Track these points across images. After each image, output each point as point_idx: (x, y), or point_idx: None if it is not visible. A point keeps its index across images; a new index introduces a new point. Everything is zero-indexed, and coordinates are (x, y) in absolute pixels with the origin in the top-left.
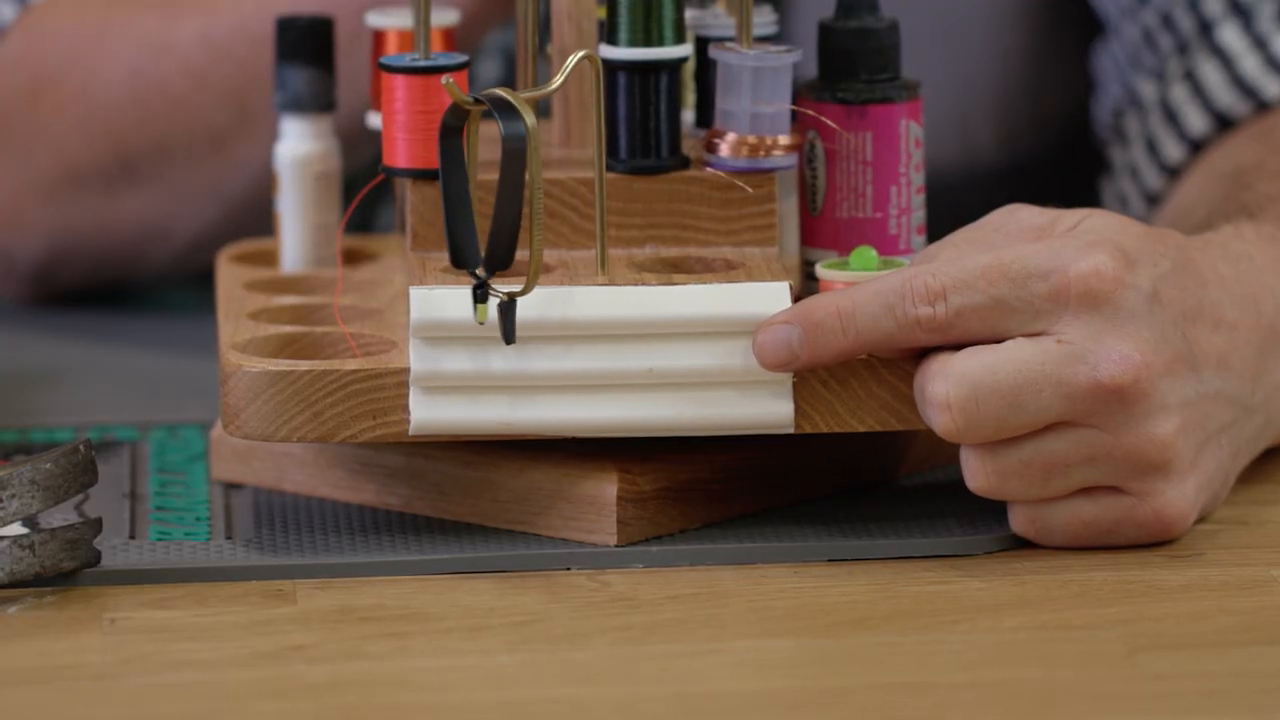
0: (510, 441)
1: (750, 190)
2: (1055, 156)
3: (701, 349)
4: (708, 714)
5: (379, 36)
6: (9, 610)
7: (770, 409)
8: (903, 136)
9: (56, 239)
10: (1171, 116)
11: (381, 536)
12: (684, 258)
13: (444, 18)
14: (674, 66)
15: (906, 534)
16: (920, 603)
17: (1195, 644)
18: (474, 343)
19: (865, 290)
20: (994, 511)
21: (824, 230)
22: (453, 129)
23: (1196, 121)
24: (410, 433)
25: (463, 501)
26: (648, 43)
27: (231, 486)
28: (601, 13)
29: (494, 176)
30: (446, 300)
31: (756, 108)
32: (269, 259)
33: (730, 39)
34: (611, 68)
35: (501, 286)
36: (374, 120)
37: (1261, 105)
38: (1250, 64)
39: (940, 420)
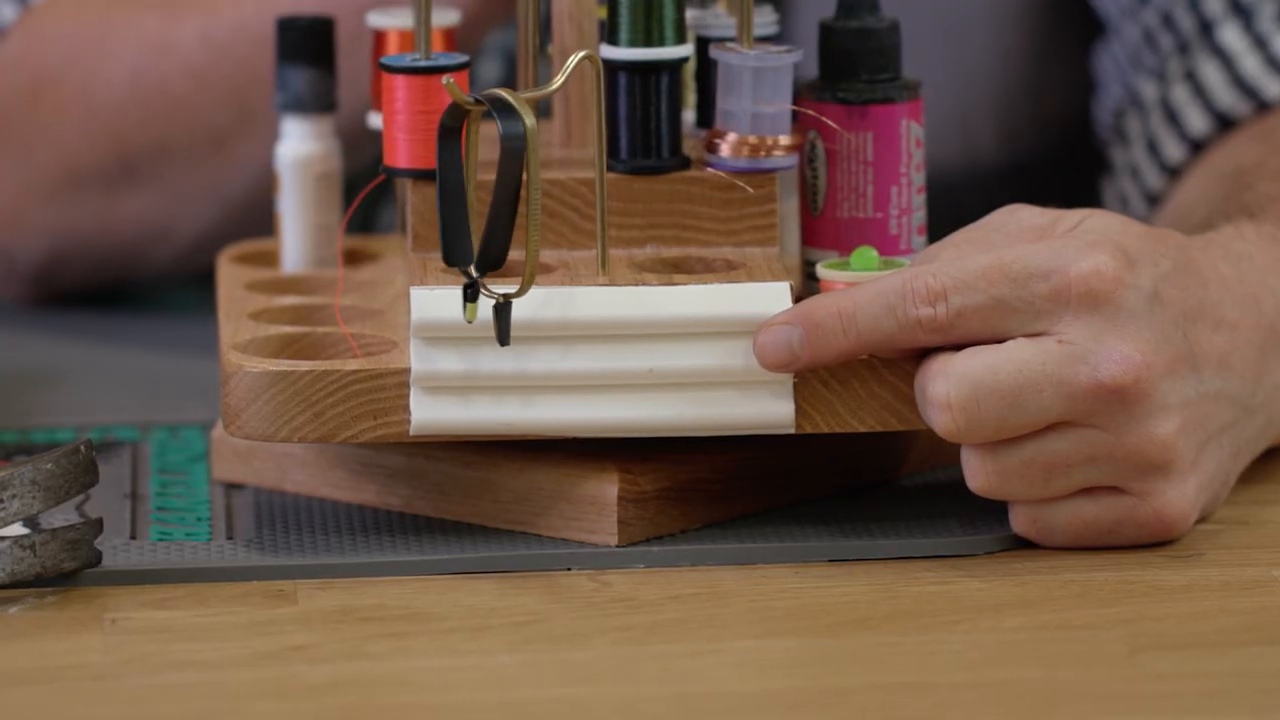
0: (511, 442)
1: (751, 190)
2: (1056, 156)
3: (702, 349)
4: (708, 714)
5: (380, 36)
6: (10, 610)
7: (771, 409)
8: (903, 136)
9: (57, 239)
10: (1172, 116)
11: (383, 537)
12: (684, 258)
13: (445, 18)
14: (675, 67)
15: (907, 534)
16: (921, 603)
17: (1196, 644)
18: (474, 343)
19: (866, 291)
20: (994, 512)
21: (825, 230)
22: (451, 129)
23: (1197, 122)
24: (411, 433)
25: (464, 502)
26: (648, 43)
27: (232, 487)
28: (602, 13)
29: (493, 177)
30: (447, 300)
31: (757, 108)
32: (270, 259)
33: (731, 39)
34: (612, 68)
35: (498, 287)
36: (375, 120)
37: (1262, 105)
38: (1251, 64)
39: (941, 420)
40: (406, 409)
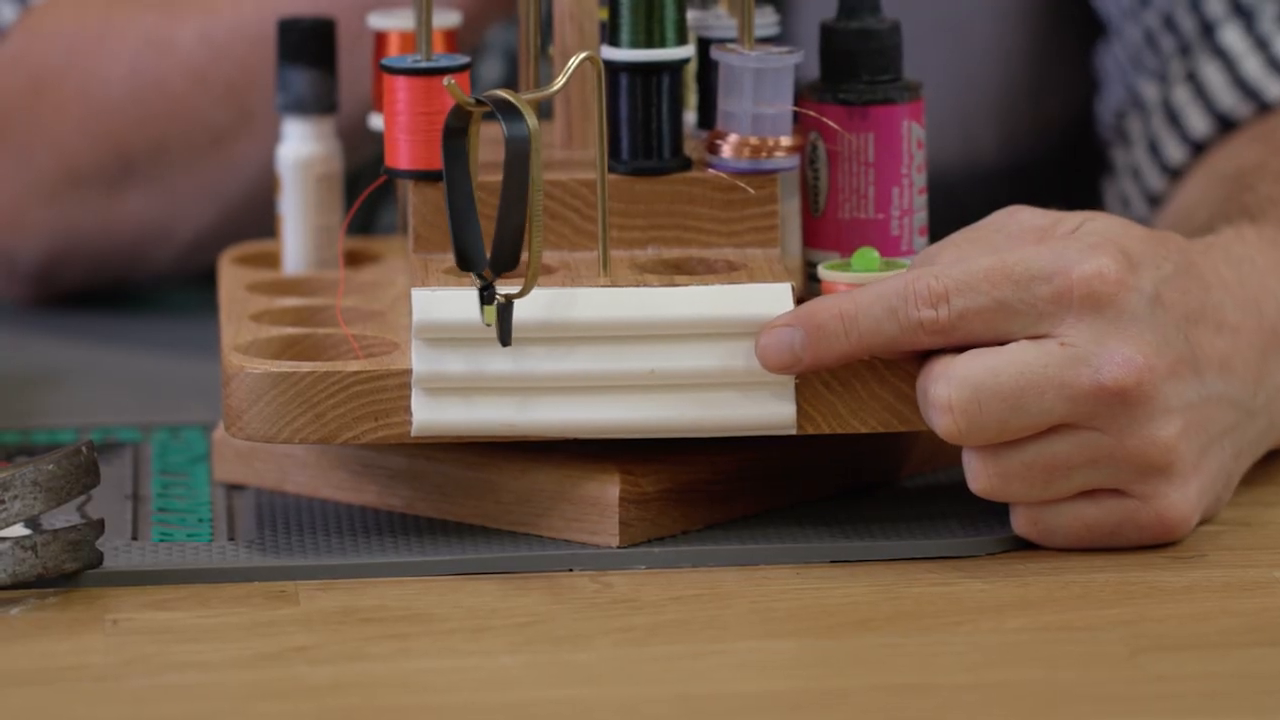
0: (512, 443)
1: (752, 191)
2: (1057, 157)
3: (704, 350)
4: (710, 715)
5: (381, 38)
6: (11, 611)
7: (772, 410)
8: (905, 137)
9: (58, 240)
10: (1173, 118)
11: (384, 538)
12: (686, 259)
13: (446, 19)
14: (676, 68)
15: (909, 535)
16: (922, 604)
17: (1197, 645)
18: (476, 344)
19: (868, 293)
20: (996, 513)
21: (826, 231)
22: (456, 130)
23: (1198, 123)
24: (412, 434)
25: (465, 503)
26: (649, 44)
27: (234, 488)
28: (603, 14)
29: (496, 178)
30: (449, 302)
31: (758, 109)
32: (271, 260)
33: (732, 40)
34: (613, 69)
35: (500, 288)
36: (376, 122)
37: (1263, 106)
38: (1252, 65)
39: (943, 422)
40: (408, 410)
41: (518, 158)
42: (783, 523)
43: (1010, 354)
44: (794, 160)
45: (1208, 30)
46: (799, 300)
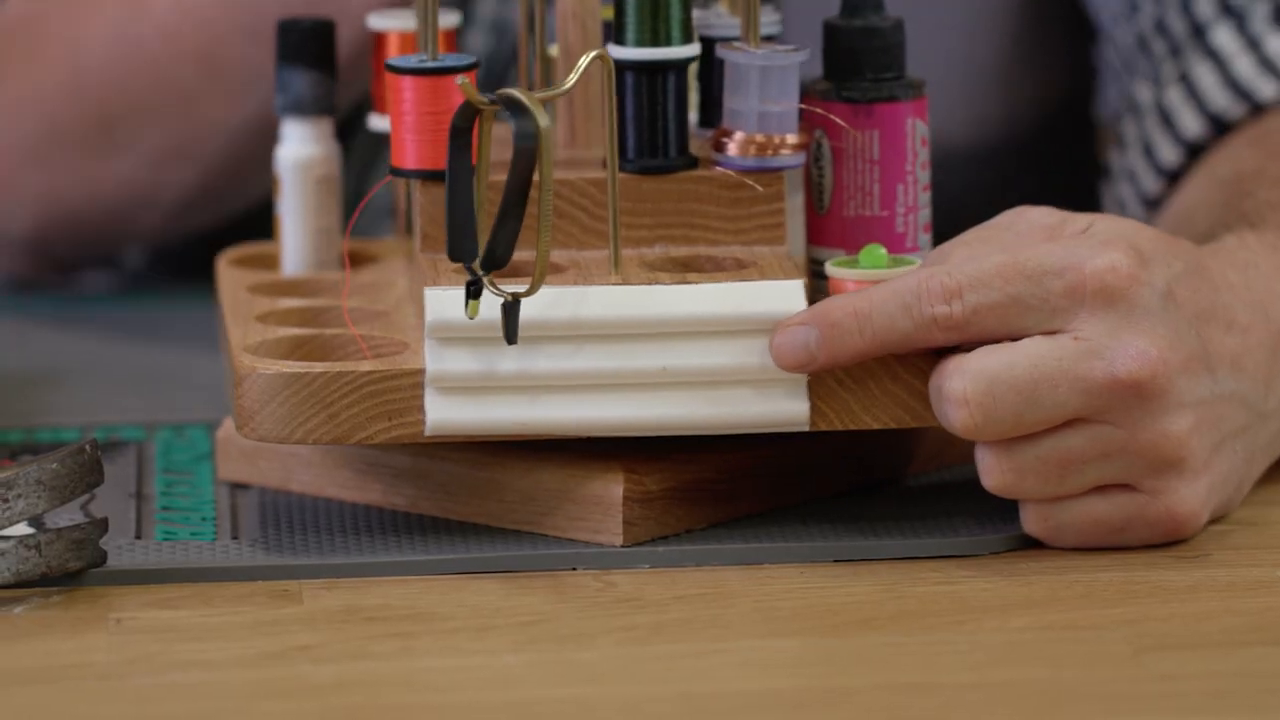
0: (517, 442)
1: (761, 189)
2: (1058, 127)
3: (716, 348)
4: (713, 714)
5: (380, 39)
6: (15, 610)
7: (785, 407)
8: (909, 135)
9: (46, 205)
10: (1166, 119)
11: (388, 537)
12: (694, 257)
13: (448, 19)
14: (682, 66)
15: (913, 534)
16: (926, 603)
17: (1201, 644)
18: (489, 343)
19: (882, 290)
20: (1000, 512)
21: (830, 229)
22: (463, 128)
23: (1191, 124)
24: (426, 433)
25: (469, 502)
26: (655, 42)
27: (238, 486)
28: (607, 13)
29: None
30: (458, 300)
31: (764, 107)
32: (269, 262)
33: (735, 38)
34: (620, 68)
35: (509, 286)
36: (376, 122)
37: (1256, 107)
38: (1244, 65)
39: (958, 416)
40: (421, 409)
41: (524, 155)
42: (786, 522)
43: (1024, 348)
44: (800, 158)
45: (1199, 31)
46: (810, 298)
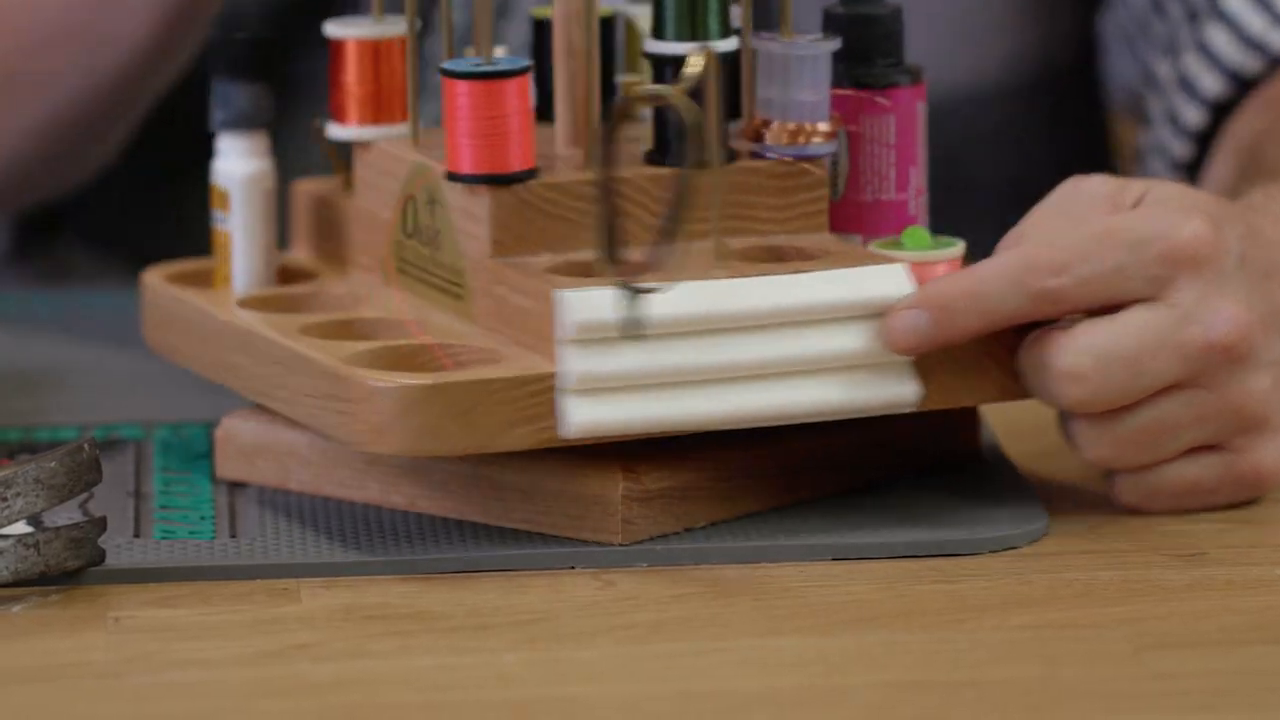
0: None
1: (819, 173)
2: (1059, 81)
3: (831, 334)
4: (712, 713)
5: (338, 46)
6: (13, 609)
7: (895, 390)
8: (919, 118)
9: None
10: (1187, 85)
11: (386, 535)
12: (779, 247)
13: (396, 28)
14: (722, 60)
15: (911, 533)
16: (925, 601)
17: (1200, 643)
18: (623, 342)
19: (988, 269)
20: (999, 511)
21: (847, 214)
22: (614, 126)
23: (1211, 83)
24: (567, 436)
25: (468, 501)
26: (694, 37)
27: (236, 485)
28: (606, 10)
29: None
30: (594, 301)
31: (801, 96)
32: (201, 279)
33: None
34: (659, 62)
35: (637, 283)
36: (335, 132)
37: (1273, 61)
38: (1256, 22)
39: (1072, 392)
40: (559, 413)
41: (688, 153)
42: (785, 520)
43: (1127, 319)
44: (833, 145)
45: None
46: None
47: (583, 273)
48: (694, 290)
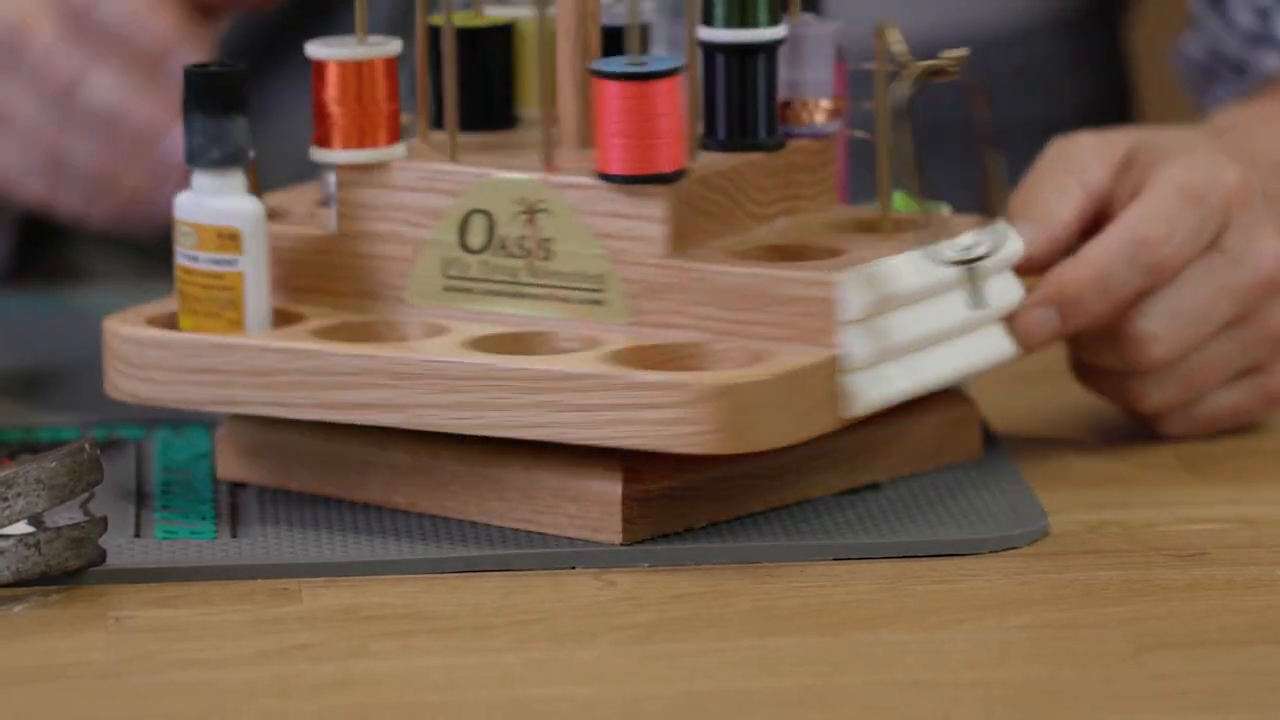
0: (517, 440)
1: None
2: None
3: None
4: (713, 713)
5: (319, 67)
6: (14, 609)
7: (999, 345)
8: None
9: None
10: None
11: (387, 535)
12: (878, 219)
13: (389, 48)
14: (771, 48)
15: (912, 533)
16: (925, 601)
17: (1201, 643)
18: (905, 310)
19: (1102, 254)
20: (999, 511)
21: None
22: (909, 97)
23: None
24: (853, 413)
25: (468, 500)
26: (744, 24)
27: (237, 485)
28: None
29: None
30: (891, 271)
31: (818, 75)
32: (167, 321)
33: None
34: (709, 49)
35: (950, 251)
36: (319, 155)
37: None
38: None
39: (1152, 353)
40: (845, 392)
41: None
42: (785, 520)
43: (1192, 274)
44: (838, 122)
45: None
46: None
47: (768, 257)
48: (920, 259)
